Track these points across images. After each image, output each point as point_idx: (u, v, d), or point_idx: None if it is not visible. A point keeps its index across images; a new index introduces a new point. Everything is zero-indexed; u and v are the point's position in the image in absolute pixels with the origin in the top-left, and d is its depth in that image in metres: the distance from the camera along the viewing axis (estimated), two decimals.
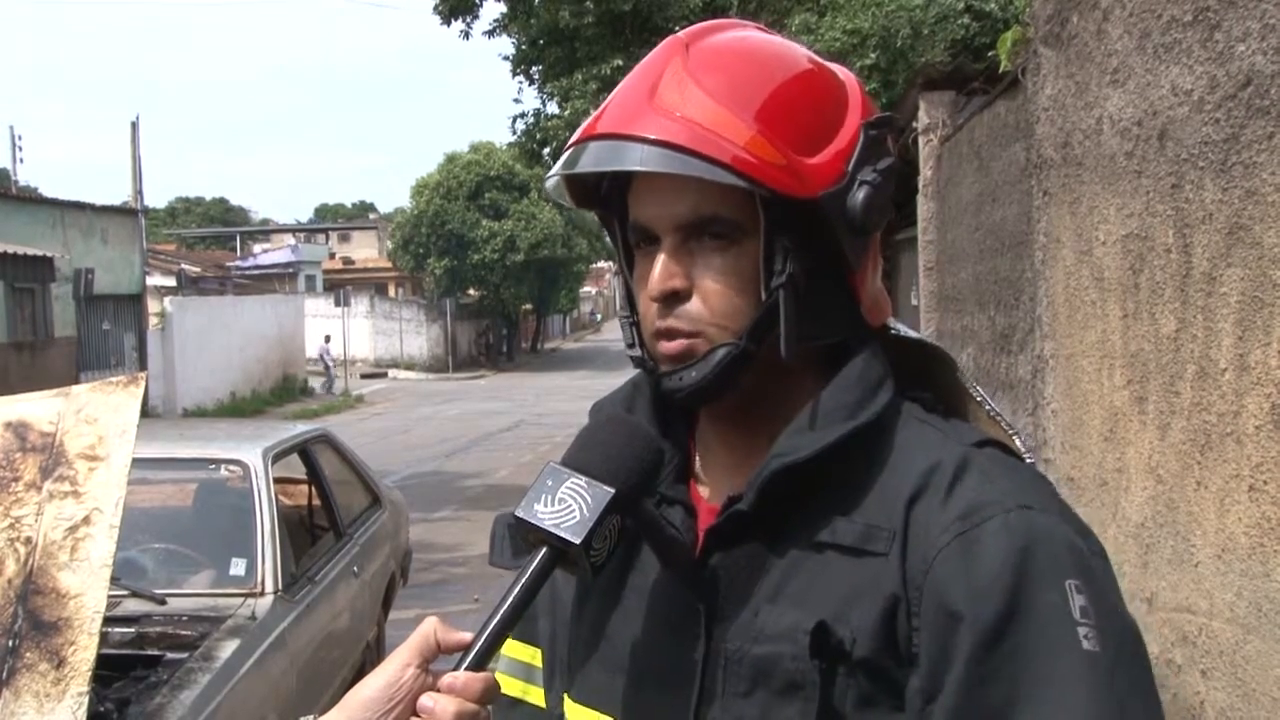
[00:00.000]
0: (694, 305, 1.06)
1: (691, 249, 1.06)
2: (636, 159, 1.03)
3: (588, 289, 69.16)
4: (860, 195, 1.06)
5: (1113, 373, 3.28)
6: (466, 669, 0.99)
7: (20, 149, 26.03)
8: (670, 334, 1.07)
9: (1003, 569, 0.97)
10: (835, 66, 1.15)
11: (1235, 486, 2.46)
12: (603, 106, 1.10)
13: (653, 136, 1.02)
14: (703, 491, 1.15)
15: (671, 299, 1.06)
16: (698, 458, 1.17)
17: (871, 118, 1.11)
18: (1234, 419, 2.46)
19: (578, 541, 1.00)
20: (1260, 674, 2.39)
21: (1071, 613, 0.97)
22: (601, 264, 66.82)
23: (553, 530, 1.01)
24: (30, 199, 22.00)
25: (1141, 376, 3.03)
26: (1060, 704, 0.94)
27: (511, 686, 1.25)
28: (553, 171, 1.12)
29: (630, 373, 1.21)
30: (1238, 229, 2.41)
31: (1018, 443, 1.13)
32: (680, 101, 1.04)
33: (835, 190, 1.05)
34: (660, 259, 1.06)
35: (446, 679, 0.99)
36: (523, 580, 1.02)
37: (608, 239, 1.25)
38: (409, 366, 39.95)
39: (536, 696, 1.24)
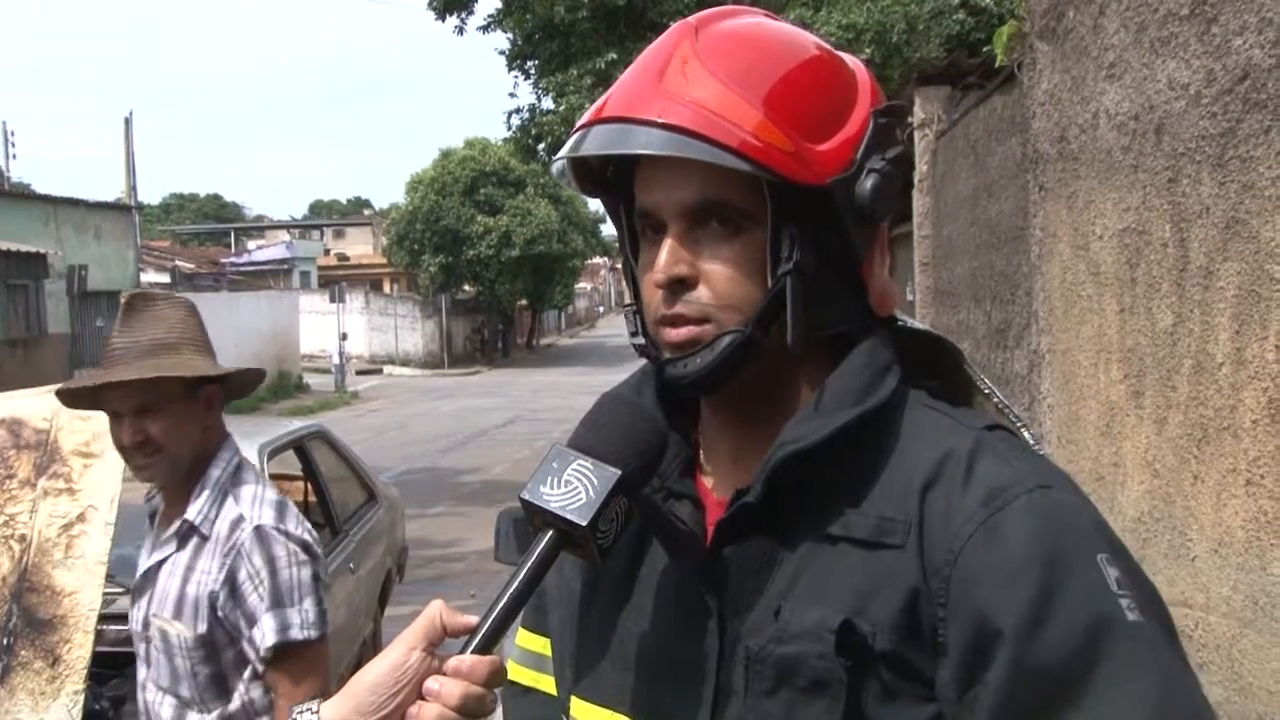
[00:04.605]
0: (700, 292, 1.05)
1: (697, 236, 1.05)
2: (641, 142, 1.02)
3: (583, 285, 69.05)
4: (869, 183, 1.06)
5: (1109, 367, 3.28)
6: (473, 652, 0.99)
7: (13, 145, 25.94)
8: (676, 320, 1.06)
9: (1033, 551, 0.96)
10: (845, 55, 1.14)
11: (1232, 480, 2.46)
12: (610, 90, 1.09)
13: (659, 120, 1.01)
14: (709, 484, 1.14)
15: (677, 286, 1.05)
16: (703, 451, 1.16)
17: (881, 106, 1.10)
18: (1231, 413, 2.46)
19: (584, 523, 0.99)
20: (1257, 668, 2.39)
21: (1110, 585, 0.96)
22: (597, 260, 66.81)
23: (559, 512, 1.00)
24: (23, 195, 21.96)
25: (1138, 371, 3.03)
26: (1121, 679, 0.93)
27: (523, 675, 1.25)
28: (559, 155, 1.11)
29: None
30: (1235, 223, 2.41)
31: (1026, 435, 1.12)
32: (688, 85, 1.03)
33: (844, 178, 1.05)
34: (666, 245, 1.05)
35: (452, 662, 0.99)
36: (529, 563, 1.01)
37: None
38: (404, 363, 39.90)
39: (548, 685, 1.23)
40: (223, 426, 2.50)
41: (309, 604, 2.33)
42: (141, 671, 2.45)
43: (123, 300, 2.45)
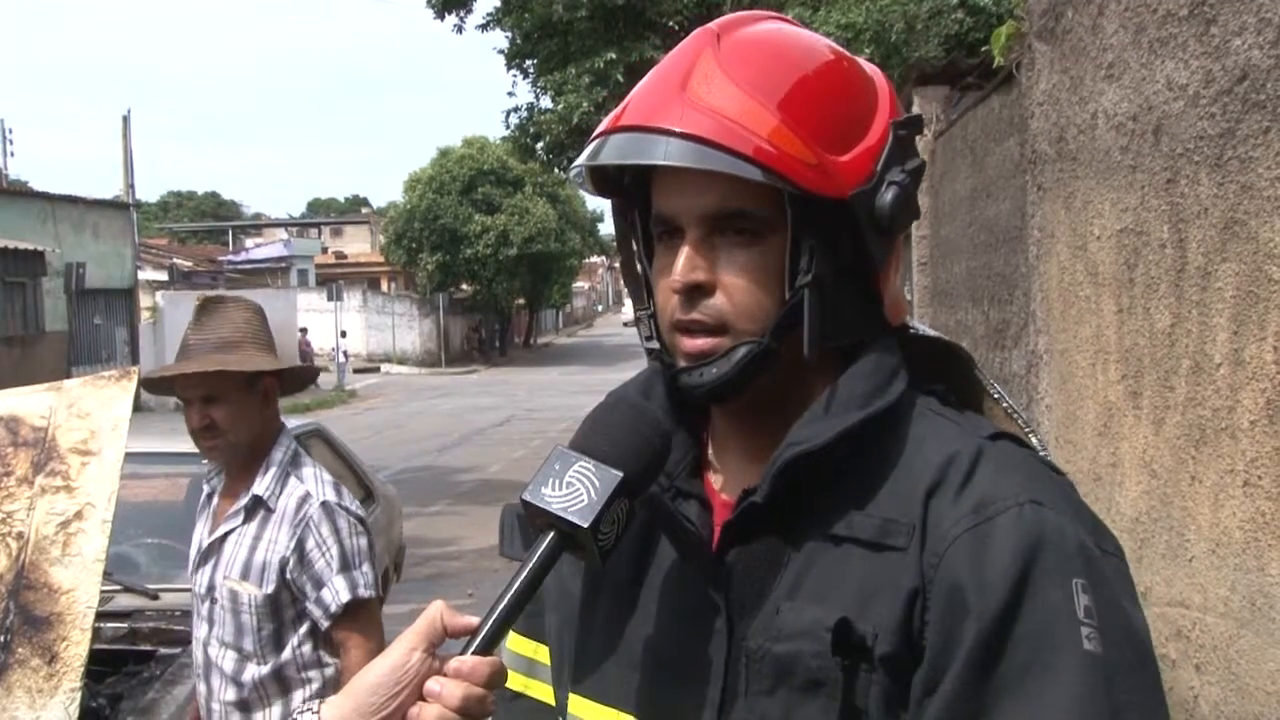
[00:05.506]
0: (717, 299, 1.05)
1: (715, 243, 1.05)
2: (660, 153, 1.02)
3: (581, 284, 69.02)
4: (889, 196, 1.06)
5: (1107, 368, 3.28)
6: (473, 653, 0.99)
7: (10, 142, 25.93)
8: (692, 328, 1.06)
9: (1010, 564, 0.97)
10: (865, 64, 1.14)
11: (1230, 481, 2.46)
12: (630, 97, 1.08)
13: (678, 129, 1.01)
14: (717, 485, 1.14)
15: (694, 292, 1.05)
16: (712, 452, 1.16)
17: (900, 117, 1.10)
18: (1229, 414, 2.46)
19: (585, 525, 0.99)
20: (1254, 668, 2.39)
21: (1075, 612, 0.96)
22: (594, 259, 66.78)
23: (560, 514, 1.00)
24: (21, 193, 21.94)
25: (1136, 371, 3.03)
26: (1051, 699, 0.93)
27: (513, 680, 1.23)
28: (576, 163, 1.11)
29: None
30: (1233, 224, 2.41)
31: (1034, 440, 1.12)
32: (708, 92, 1.03)
33: (864, 190, 1.05)
34: (684, 251, 1.05)
35: (453, 663, 0.98)
36: (530, 564, 1.01)
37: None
38: (401, 361, 39.89)
39: (538, 691, 1.23)
40: (279, 416, 2.90)
41: (367, 567, 2.75)
42: (202, 630, 2.80)
43: (197, 301, 2.90)
